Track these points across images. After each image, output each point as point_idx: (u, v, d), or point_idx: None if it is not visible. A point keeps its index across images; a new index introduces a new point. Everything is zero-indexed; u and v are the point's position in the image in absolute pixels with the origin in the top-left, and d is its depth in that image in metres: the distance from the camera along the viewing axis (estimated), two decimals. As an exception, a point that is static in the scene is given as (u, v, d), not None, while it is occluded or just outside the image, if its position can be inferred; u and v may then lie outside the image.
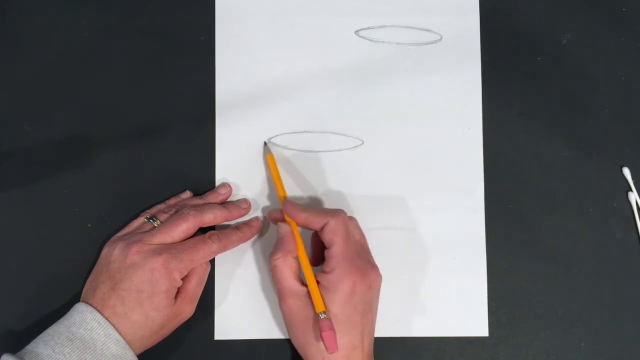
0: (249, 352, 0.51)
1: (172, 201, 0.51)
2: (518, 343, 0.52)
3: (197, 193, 0.52)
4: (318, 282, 0.46)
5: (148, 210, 0.51)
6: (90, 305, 0.45)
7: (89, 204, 0.52)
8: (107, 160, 0.52)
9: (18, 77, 0.53)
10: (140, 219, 0.50)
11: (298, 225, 0.48)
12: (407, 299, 0.52)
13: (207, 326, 0.51)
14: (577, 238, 0.53)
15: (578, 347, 0.52)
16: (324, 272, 0.46)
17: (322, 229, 0.46)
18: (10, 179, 0.52)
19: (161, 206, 0.51)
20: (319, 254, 0.49)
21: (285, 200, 0.49)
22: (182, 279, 0.47)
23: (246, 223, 0.51)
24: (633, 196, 0.53)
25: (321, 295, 0.45)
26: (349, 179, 0.53)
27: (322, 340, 0.43)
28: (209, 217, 0.48)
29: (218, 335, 0.51)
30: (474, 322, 0.52)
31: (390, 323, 0.52)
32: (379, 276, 0.47)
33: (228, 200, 0.52)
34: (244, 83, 0.53)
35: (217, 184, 0.52)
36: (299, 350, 0.47)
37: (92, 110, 0.53)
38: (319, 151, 0.53)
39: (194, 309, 0.49)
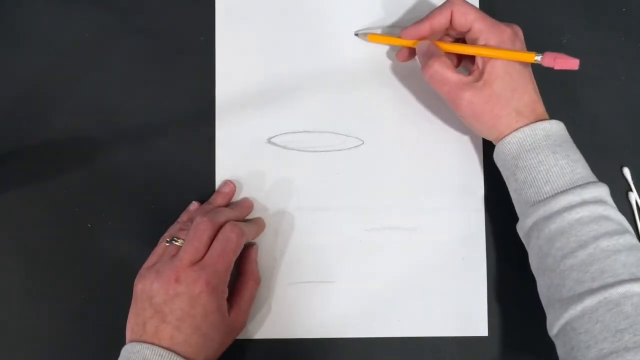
0: (248, 352, 0.51)
1: (184, 217, 0.51)
2: (518, 343, 0.52)
3: (197, 192, 0.52)
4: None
5: (165, 235, 0.50)
6: (144, 342, 0.44)
7: (89, 204, 0.52)
8: (107, 160, 0.52)
9: (18, 77, 0.53)
10: (162, 245, 0.48)
11: (427, 36, 0.49)
12: (407, 299, 0.52)
13: (207, 326, 0.51)
14: (577, 238, 0.53)
15: (578, 347, 0.52)
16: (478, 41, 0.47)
17: (452, 17, 0.48)
18: (10, 179, 0.52)
19: (176, 226, 0.50)
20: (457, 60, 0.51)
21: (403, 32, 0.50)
22: (228, 288, 0.47)
23: (253, 221, 0.51)
24: (633, 196, 0.53)
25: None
26: (349, 179, 0.53)
27: (559, 68, 0.45)
28: (222, 220, 0.48)
29: (218, 335, 0.51)
30: (474, 322, 0.52)
31: (390, 323, 0.52)
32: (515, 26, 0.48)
33: (232, 199, 0.52)
34: (244, 83, 0.53)
35: (217, 183, 0.52)
36: (490, 132, 0.48)
37: (92, 110, 0.53)
38: (319, 151, 0.53)
39: (247, 319, 0.49)
